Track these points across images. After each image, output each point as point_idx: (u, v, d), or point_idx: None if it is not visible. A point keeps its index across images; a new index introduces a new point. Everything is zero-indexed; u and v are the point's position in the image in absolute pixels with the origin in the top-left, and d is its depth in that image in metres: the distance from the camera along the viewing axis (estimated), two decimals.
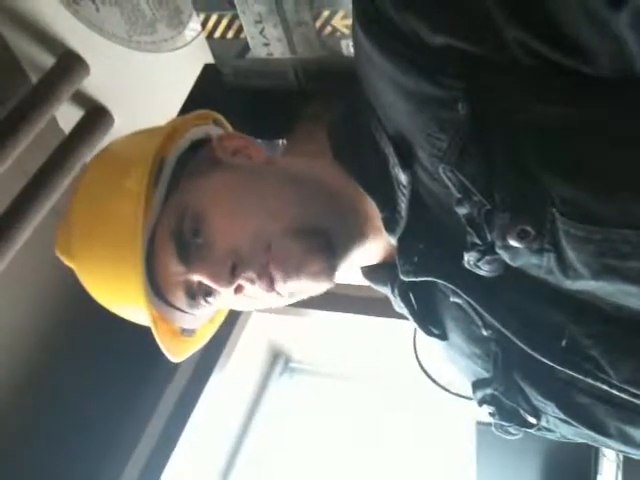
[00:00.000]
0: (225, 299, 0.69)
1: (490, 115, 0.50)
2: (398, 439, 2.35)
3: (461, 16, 0.49)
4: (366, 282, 0.75)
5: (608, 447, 0.65)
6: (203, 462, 2.23)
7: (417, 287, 0.67)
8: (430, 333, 0.70)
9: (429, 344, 0.73)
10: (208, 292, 0.67)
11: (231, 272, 0.64)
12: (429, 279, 0.62)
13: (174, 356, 0.74)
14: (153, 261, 0.66)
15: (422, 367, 1.70)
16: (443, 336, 0.70)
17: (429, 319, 0.69)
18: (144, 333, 0.73)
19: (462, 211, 0.53)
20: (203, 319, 0.78)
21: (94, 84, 1.69)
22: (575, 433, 0.67)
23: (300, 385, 2.55)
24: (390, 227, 0.64)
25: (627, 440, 0.63)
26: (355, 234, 0.67)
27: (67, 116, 1.75)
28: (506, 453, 1.71)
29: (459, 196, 0.53)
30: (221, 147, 0.72)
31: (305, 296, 0.70)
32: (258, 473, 2.42)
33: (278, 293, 0.65)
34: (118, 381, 1.85)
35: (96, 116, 1.76)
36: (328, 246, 0.65)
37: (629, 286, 0.50)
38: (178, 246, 0.65)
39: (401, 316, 0.73)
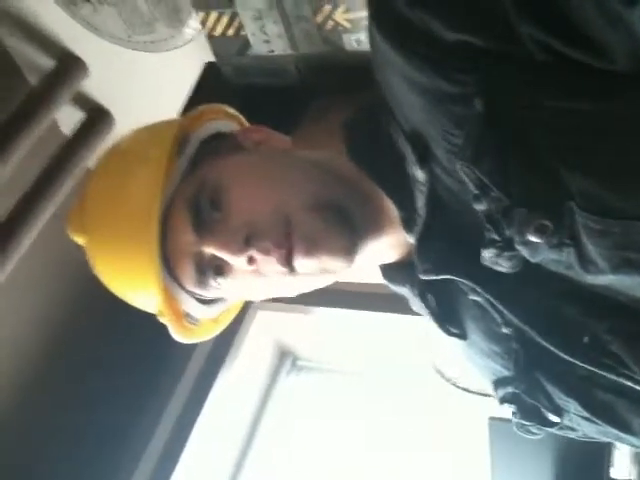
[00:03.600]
0: (236, 280, 0.66)
1: (505, 111, 0.50)
2: (409, 436, 2.33)
3: (474, 12, 0.49)
4: (376, 280, 0.74)
5: (632, 445, 0.65)
6: (212, 462, 2.23)
7: (435, 286, 0.66)
8: (449, 332, 0.69)
9: (441, 340, 0.72)
10: (219, 269, 0.65)
11: (244, 241, 0.62)
12: (449, 277, 0.62)
13: (175, 334, 0.72)
14: (167, 231, 0.65)
15: (433, 363, 1.70)
16: (462, 335, 0.69)
17: (448, 318, 0.69)
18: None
19: (480, 207, 0.53)
20: (206, 312, 0.75)
21: (94, 85, 1.68)
22: (598, 431, 0.67)
23: (308, 383, 2.54)
24: (409, 226, 0.64)
25: None
26: (373, 220, 0.66)
27: (68, 119, 1.74)
28: (519, 447, 1.71)
29: (476, 192, 0.53)
30: (246, 138, 0.72)
31: (318, 283, 0.68)
32: (267, 472, 2.41)
33: (293, 269, 0.62)
34: (127, 381, 1.85)
35: (97, 117, 1.75)
36: (348, 223, 0.63)
37: None
38: (193, 215, 0.64)
39: (410, 312, 0.73)
